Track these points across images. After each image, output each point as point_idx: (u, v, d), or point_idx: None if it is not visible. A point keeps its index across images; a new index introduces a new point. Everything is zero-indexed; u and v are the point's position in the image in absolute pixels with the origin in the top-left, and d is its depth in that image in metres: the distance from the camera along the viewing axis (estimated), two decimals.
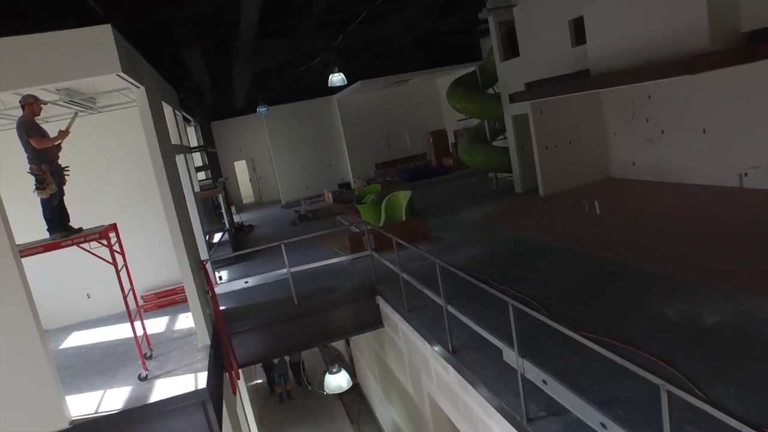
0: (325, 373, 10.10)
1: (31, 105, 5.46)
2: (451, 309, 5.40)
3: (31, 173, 5.54)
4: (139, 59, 6.65)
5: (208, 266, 9.48)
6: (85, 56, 5.24)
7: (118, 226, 6.40)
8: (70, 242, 5.57)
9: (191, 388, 5.71)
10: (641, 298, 5.95)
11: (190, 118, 12.47)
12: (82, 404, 5.66)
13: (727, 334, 4.88)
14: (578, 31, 10.46)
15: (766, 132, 8.94)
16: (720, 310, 5.33)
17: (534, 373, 4.01)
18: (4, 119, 6.74)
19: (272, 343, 8.02)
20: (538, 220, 10.32)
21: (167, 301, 9.08)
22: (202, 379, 5.87)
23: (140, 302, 9.04)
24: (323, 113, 22.09)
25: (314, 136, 22.16)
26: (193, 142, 14.91)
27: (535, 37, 11.80)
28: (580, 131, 12.68)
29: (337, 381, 9.85)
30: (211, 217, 11.62)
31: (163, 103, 8.37)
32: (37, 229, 5.96)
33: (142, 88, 6.23)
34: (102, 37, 5.21)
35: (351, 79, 17.63)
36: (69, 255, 6.08)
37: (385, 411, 11.13)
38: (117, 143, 8.82)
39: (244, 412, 10.91)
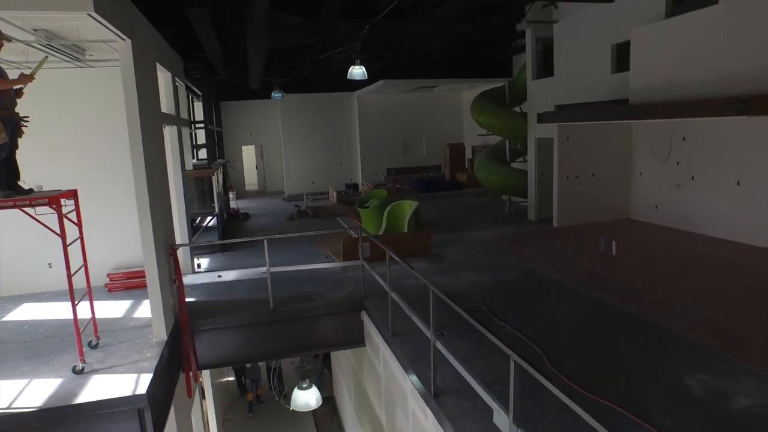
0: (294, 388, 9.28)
1: None
2: (439, 345, 4.58)
3: None
4: (133, 11, 5.89)
5: (186, 253, 8.76)
6: None
7: (78, 193, 5.64)
8: (11, 203, 4.81)
9: (129, 391, 4.92)
10: (659, 361, 5.11)
11: (198, 92, 11.72)
12: None
13: (763, 423, 4.04)
14: (621, 57, 9.67)
15: None
16: (751, 391, 4.50)
17: None
18: None
19: (239, 348, 7.20)
20: (549, 253, 9.49)
21: (136, 283, 8.28)
22: (144, 382, 5.08)
23: (106, 280, 8.38)
24: (341, 109, 21.34)
25: (328, 130, 21.40)
26: (200, 118, 14.21)
27: (573, 58, 11.02)
28: (604, 165, 11.85)
29: (306, 398, 8.99)
30: (204, 200, 10.86)
31: (160, 66, 7.62)
32: None
33: (129, 41, 5.48)
34: None
35: (373, 77, 16.92)
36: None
37: None
38: (104, 103, 8.09)
39: (204, 415, 10.12)
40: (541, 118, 10.68)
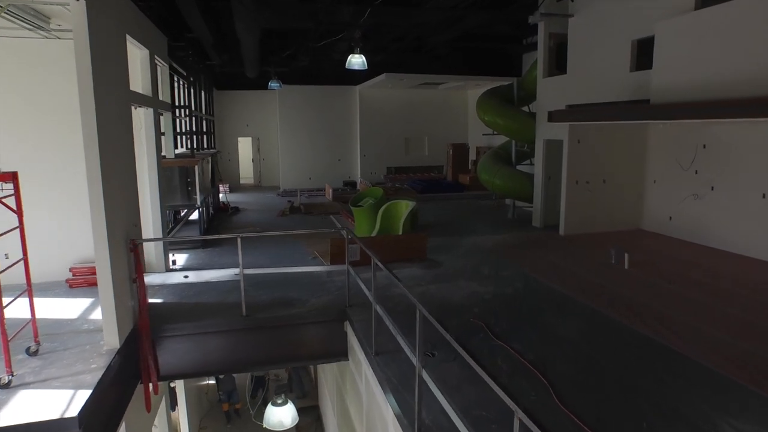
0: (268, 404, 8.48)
1: None
2: (425, 375, 3.82)
3: None
4: None
5: (159, 248, 8.02)
6: None
7: (19, 176, 4.89)
8: None
9: (58, 413, 4.16)
10: (682, 398, 4.34)
11: (183, 72, 10.96)
12: None
13: None
14: (641, 55, 8.89)
15: None
16: None
17: None
18: None
19: (208, 358, 6.44)
20: (555, 264, 8.73)
21: None
22: (80, 401, 4.32)
23: (68, 275, 7.64)
24: (341, 103, 20.57)
25: (328, 125, 20.64)
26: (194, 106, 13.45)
27: (589, 55, 10.24)
28: (616, 171, 11.07)
29: (280, 416, 8.16)
30: (186, 191, 10.09)
31: (134, 41, 6.88)
32: None
33: (82, 2, 4.73)
34: None
35: (376, 69, 16.18)
36: None
37: None
38: (69, 79, 7.33)
39: (174, 426, 9.36)
40: (552, 117, 9.90)
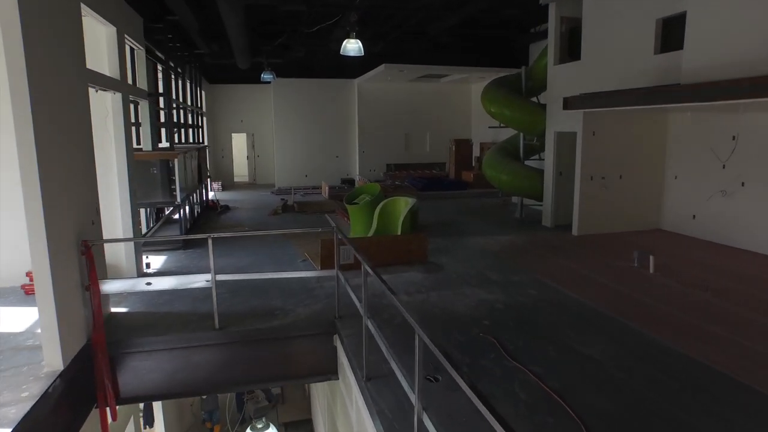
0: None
1: None
2: (426, 419, 2.95)
3: None
4: None
5: (129, 249, 7.17)
6: None
7: None
8: None
9: None
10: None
11: (162, 57, 10.06)
12: None
13: None
14: (668, 35, 8.02)
15: None
16: None
17: None
18: None
19: (176, 377, 5.58)
20: (570, 268, 7.86)
21: None
22: None
23: (24, 280, 6.79)
24: (339, 97, 19.69)
25: (325, 120, 19.76)
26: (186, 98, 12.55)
27: (606, 38, 9.37)
28: (635, 166, 10.19)
29: None
30: (165, 188, 9.22)
31: (96, 15, 6.02)
32: None
33: None
34: None
35: (375, 60, 15.34)
36: None
37: None
38: None
39: None
40: (568, 103, 9.02)
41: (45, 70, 4.43)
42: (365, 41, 10.51)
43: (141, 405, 8.73)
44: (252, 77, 18.28)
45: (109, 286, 5.39)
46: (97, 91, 6.16)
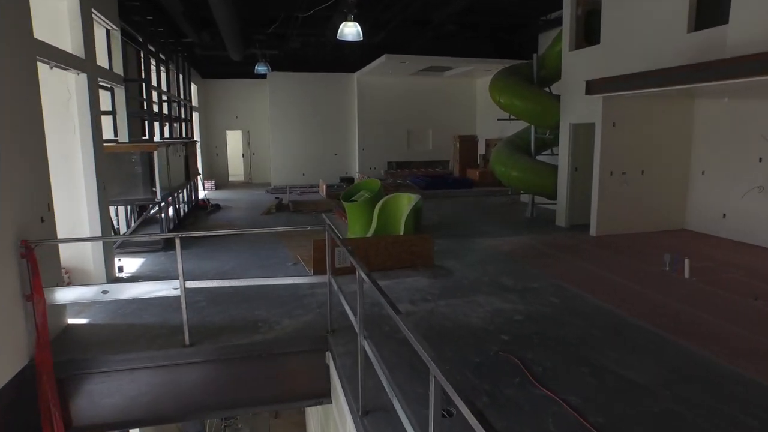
0: None
1: None
2: None
3: None
4: None
5: (102, 253, 6.33)
6: None
7: None
8: None
9: None
10: None
11: (140, 38, 9.17)
12: None
13: None
14: (703, 9, 7.18)
15: None
16: None
17: None
18: None
19: (136, 403, 4.72)
20: (593, 272, 7.01)
21: None
22: None
23: None
24: (338, 91, 18.85)
25: (323, 116, 18.93)
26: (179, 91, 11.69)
27: (629, 18, 8.53)
28: (658, 160, 9.35)
29: None
30: (144, 183, 8.36)
31: None
32: None
33: None
34: None
35: (375, 51, 14.51)
36: None
37: None
38: None
39: None
40: (591, 87, 8.15)
41: None
42: (365, 31, 9.67)
43: None
44: (246, 72, 17.48)
45: (57, 295, 4.53)
46: (51, 67, 5.31)
